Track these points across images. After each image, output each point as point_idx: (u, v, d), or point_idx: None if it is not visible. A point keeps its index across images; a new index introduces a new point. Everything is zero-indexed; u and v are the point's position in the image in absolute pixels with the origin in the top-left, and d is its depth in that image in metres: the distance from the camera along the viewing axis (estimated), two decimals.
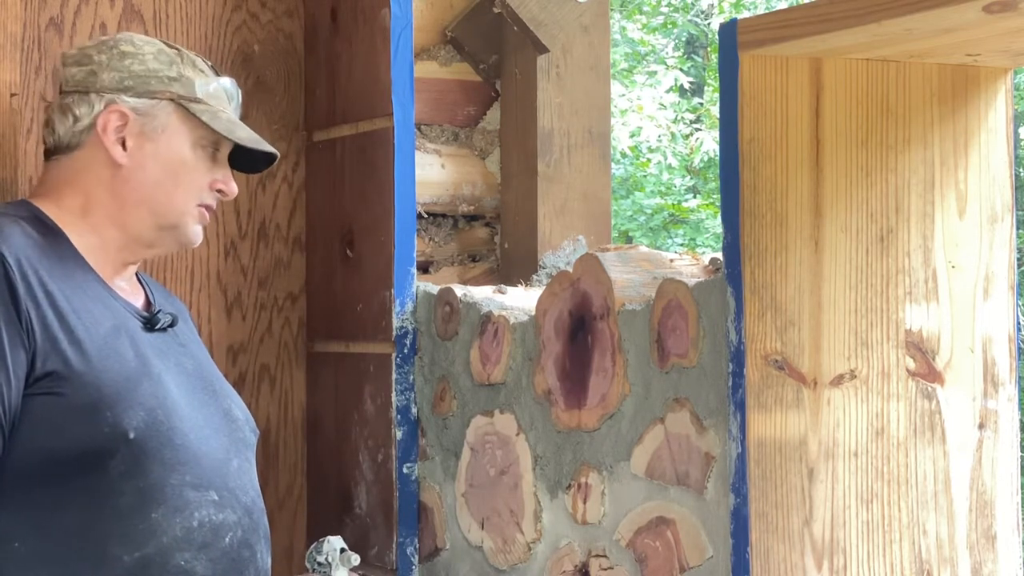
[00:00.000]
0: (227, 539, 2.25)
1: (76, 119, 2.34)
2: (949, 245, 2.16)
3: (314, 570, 2.37)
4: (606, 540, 2.36)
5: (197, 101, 2.36)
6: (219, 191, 2.40)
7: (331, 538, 2.38)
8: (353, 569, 2.40)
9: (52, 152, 2.37)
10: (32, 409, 2.14)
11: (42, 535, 2.13)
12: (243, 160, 2.48)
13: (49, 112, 2.40)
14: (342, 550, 2.37)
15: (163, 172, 2.34)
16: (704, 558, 2.18)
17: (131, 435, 2.16)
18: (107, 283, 2.31)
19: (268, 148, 2.45)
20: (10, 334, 2.13)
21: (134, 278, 2.42)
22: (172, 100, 2.35)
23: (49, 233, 2.28)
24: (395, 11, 2.77)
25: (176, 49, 2.41)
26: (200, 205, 2.38)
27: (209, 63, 2.45)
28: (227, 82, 2.44)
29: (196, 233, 2.39)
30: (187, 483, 2.22)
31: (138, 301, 2.38)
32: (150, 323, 2.33)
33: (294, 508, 3.02)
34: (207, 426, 2.29)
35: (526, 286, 2.80)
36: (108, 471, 2.16)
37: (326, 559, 2.36)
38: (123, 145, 2.33)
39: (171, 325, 2.37)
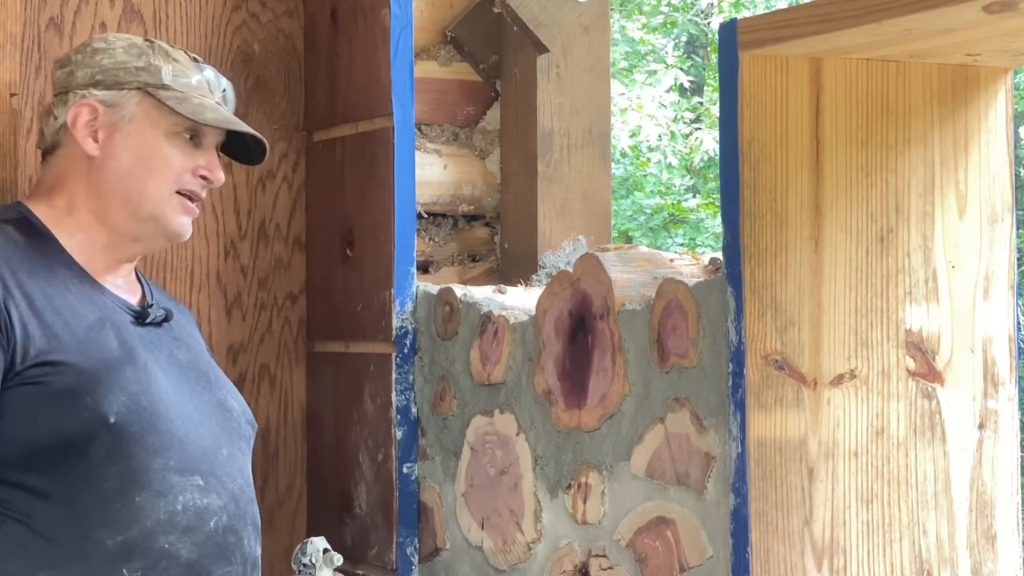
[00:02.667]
0: (211, 523, 2.26)
1: (56, 119, 2.38)
2: (949, 245, 2.16)
3: (299, 571, 2.38)
4: (606, 540, 2.36)
5: (165, 88, 2.36)
6: (203, 177, 2.39)
7: (314, 539, 2.41)
8: (337, 569, 2.41)
9: (44, 155, 2.42)
10: (13, 401, 2.17)
11: (26, 523, 2.16)
12: (244, 152, 2.49)
13: (40, 118, 2.45)
14: (325, 550, 2.39)
15: (134, 160, 2.35)
16: (704, 558, 2.18)
17: (112, 419, 2.19)
18: (96, 280, 2.34)
19: (246, 128, 2.44)
20: None
21: (132, 277, 2.44)
22: (140, 89, 2.36)
23: (35, 234, 2.31)
24: (395, 11, 2.77)
25: (149, 41, 2.41)
26: (180, 192, 2.37)
27: (192, 55, 2.44)
28: (209, 72, 2.43)
29: (181, 224, 2.38)
30: (171, 467, 2.24)
31: (133, 298, 2.40)
32: (141, 317, 2.35)
33: (294, 508, 3.02)
34: (196, 413, 2.32)
35: (526, 286, 2.80)
36: (90, 456, 2.18)
37: (310, 560, 2.38)
38: (96, 138, 2.35)
39: (165, 320, 2.39)
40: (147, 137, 2.36)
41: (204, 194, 2.41)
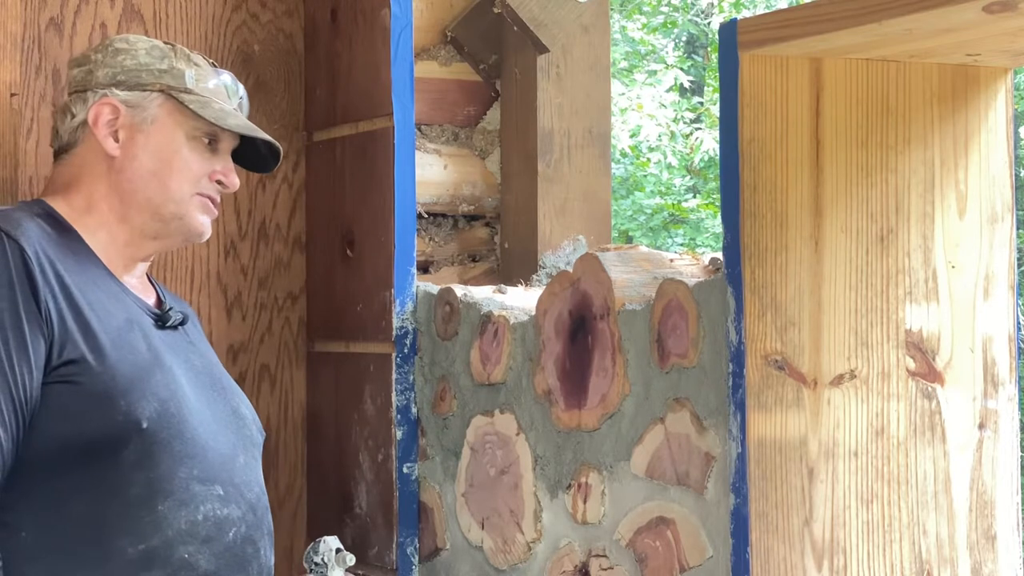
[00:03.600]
0: (231, 534, 2.26)
1: (73, 117, 2.38)
2: (949, 245, 2.16)
3: (311, 570, 2.37)
4: (606, 540, 2.36)
5: (187, 92, 2.38)
6: (219, 182, 2.41)
7: (327, 538, 2.39)
8: (349, 569, 2.40)
9: (57, 154, 2.42)
10: (48, 397, 2.16)
11: (49, 526, 2.15)
12: (253, 159, 2.51)
13: (54, 115, 2.45)
14: (338, 550, 2.38)
15: (155, 161, 2.36)
16: (704, 558, 2.18)
17: (144, 424, 2.18)
18: (119, 279, 2.34)
19: (264, 136, 2.46)
20: (31, 325, 2.15)
21: (145, 278, 2.44)
22: (162, 91, 2.38)
23: (62, 230, 2.31)
24: (395, 11, 2.77)
25: (171, 45, 2.43)
26: (200, 195, 2.39)
27: (210, 60, 2.47)
28: (227, 77, 2.46)
29: (203, 224, 2.40)
30: (194, 476, 2.23)
31: (150, 299, 2.41)
32: (161, 320, 2.35)
33: (294, 508, 3.02)
34: (215, 421, 2.31)
35: (526, 286, 2.80)
36: (120, 461, 2.18)
37: (322, 559, 2.37)
38: (116, 138, 2.35)
39: (181, 324, 2.39)
40: (168, 139, 2.37)
41: (219, 199, 2.43)
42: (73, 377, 2.17)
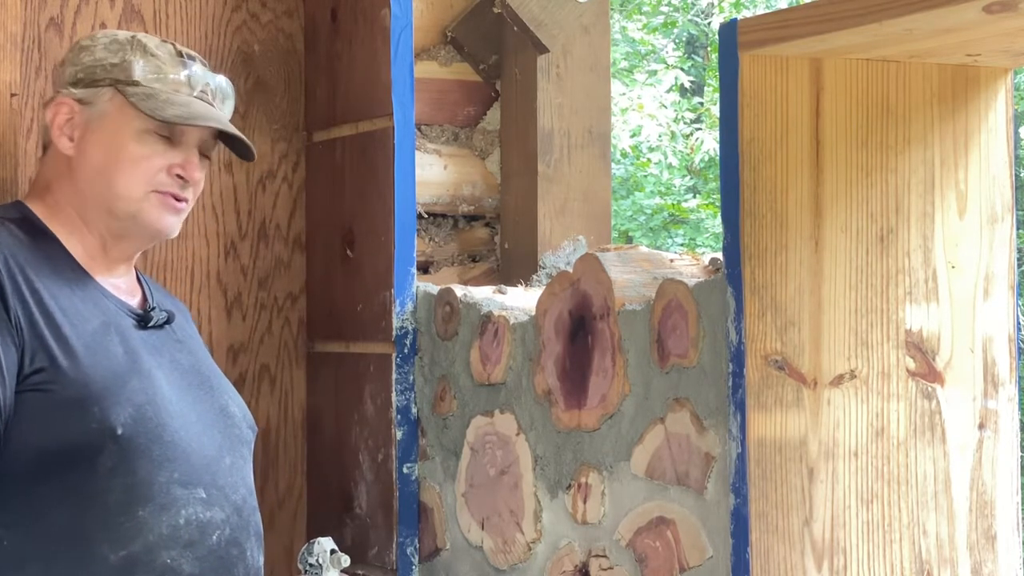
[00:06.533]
0: (214, 537, 2.24)
1: (45, 118, 2.38)
2: (949, 245, 2.16)
3: (305, 571, 2.37)
4: (606, 540, 2.36)
5: (134, 84, 2.32)
6: (179, 176, 2.33)
7: (321, 539, 2.39)
8: (343, 570, 2.40)
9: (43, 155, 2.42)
10: (21, 406, 2.13)
11: (30, 533, 2.14)
12: (246, 149, 2.46)
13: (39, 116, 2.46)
14: (332, 551, 2.37)
15: (104, 159, 2.31)
16: (704, 558, 2.18)
17: (119, 431, 2.16)
18: (98, 281, 2.31)
19: (213, 124, 2.35)
20: (1, 333, 2.13)
21: (132, 277, 2.41)
22: (111, 86, 2.33)
23: (38, 234, 2.29)
24: (395, 11, 2.77)
25: (131, 36, 2.37)
26: (157, 192, 2.31)
27: (181, 50, 2.39)
28: (197, 68, 2.38)
29: (161, 222, 2.32)
30: (175, 480, 2.21)
31: (134, 300, 2.37)
32: (143, 320, 2.32)
33: (294, 508, 3.02)
34: (199, 422, 2.29)
35: (526, 286, 2.80)
36: (96, 468, 2.16)
37: (317, 560, 2.36)
38: (72, 137, 2.33)
39: (167, 322, 2.37)
40: (116, 135, 2.31)
41: (187, 193, 2.35)
42: (45, 385, 2.14)
